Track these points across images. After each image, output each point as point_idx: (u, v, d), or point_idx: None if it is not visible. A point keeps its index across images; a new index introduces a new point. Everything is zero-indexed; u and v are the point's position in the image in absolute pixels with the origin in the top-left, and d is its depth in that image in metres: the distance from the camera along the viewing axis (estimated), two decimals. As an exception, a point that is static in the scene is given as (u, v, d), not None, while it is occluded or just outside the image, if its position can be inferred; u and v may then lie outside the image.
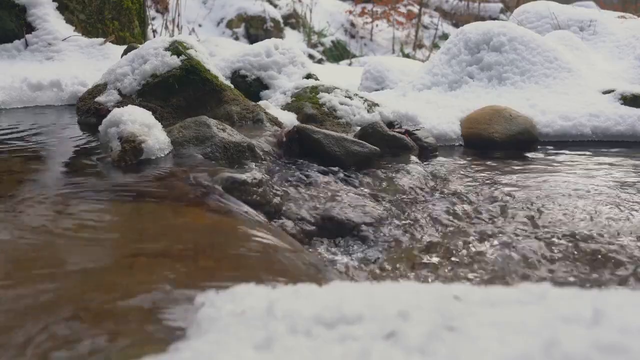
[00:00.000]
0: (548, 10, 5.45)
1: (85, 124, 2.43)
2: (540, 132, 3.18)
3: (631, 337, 0.57)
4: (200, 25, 10.92)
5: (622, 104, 3.45)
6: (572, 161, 2.73)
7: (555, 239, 1.68)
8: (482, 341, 0.59)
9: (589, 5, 10.04)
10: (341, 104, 2.88)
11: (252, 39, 10.62)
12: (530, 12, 5.60)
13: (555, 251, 1.59)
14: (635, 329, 0.59)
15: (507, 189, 2.18)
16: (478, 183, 2.25)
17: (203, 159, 1.84)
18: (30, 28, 3.85)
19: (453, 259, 1.55)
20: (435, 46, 12.32)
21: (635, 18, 5.70)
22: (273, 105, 2.85)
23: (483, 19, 11.97)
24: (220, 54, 3.61)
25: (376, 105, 2.98)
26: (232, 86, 2.67)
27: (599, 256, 1.57)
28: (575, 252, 1.59)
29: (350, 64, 10.05)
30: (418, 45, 12.69)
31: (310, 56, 10.73)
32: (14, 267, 1.04)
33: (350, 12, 13.44)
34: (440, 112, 3.19)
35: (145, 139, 1.80)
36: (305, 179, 1.97)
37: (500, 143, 2.96)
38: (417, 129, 2.81)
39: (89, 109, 2.51)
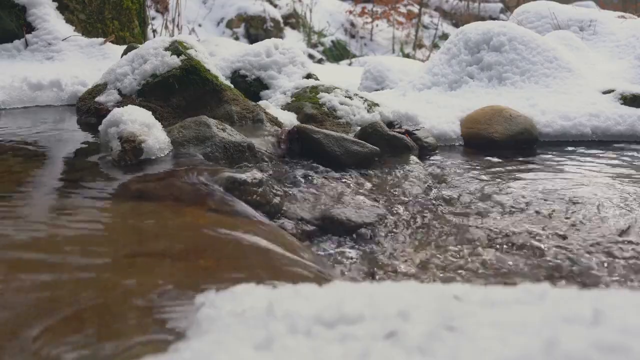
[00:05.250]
0: (548, 10, 5.45)
1: (85, 124, 2.43)
2: (540, 132, 3.18)
3: (631, 337, 0.57)
4: (200, 25, 10.92)
5: (622, 104, 3.45)
6: (572, 161, 2.73)
7: (555, 239, 1.68)
8: (482, 341, 0.59)
9: (589, 5, 10.04)
10: (341, 104, 2.88)
11: (252, 38, 10.62)
12: (530, 12, 5.60)
13: (555, 251, 1.59)
14: (635, 329, 0.59)
15: (506, 188, 2.18)
16: (478, 183, 2.25)
17: (203, 158, 1.84)
18: (30, 28, 3.85)
19: (453, 258, 1.55)
20: (435, 46, 12.32)
21: (635, 18, 5.70)
22: (273, 105, 2.85)
23: (483, 18, 11.97)
24: (220, 54, 3.61)
25: (376, 105, 2.98)
26: (232, 86, 2.67)
27: (601, 256, 1.57)
28: (574, 252, 1.59)
29: (350, 64, 10.06)
30: (418, 45, 12.69)
31: (310, 56, 10.74)
32: (14, 267, 1.04)
33: (350, 12, 13.44)
34: (440, 112, 3.19)
35: (145, 139, 1.80)
36: (305, 179, 1.97)
37: (500, 143, 2.96)
38: (417, 129, 2.81)
39: (89, 109, 2.51)
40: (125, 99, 2.44)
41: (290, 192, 1.85)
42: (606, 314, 0.62)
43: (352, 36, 13.06)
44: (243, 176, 1.64)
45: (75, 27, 4.07)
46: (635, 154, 2.93)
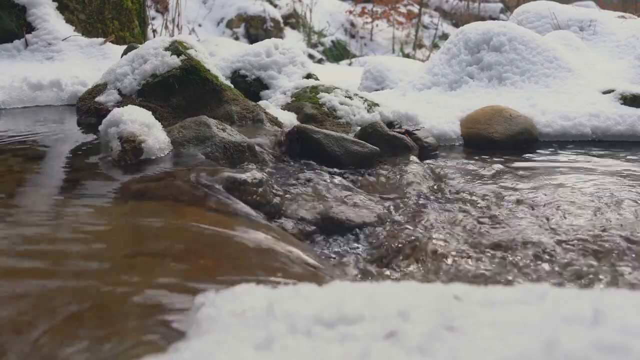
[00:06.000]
0: (548, 10, 5.45)
1: (85, 124, 2.43)
2: (540, 132, 3.18)
3: (631, 337, 0.57)
4: (200, 25, 10.92)
5: (622, 104, 3.45)
6: (572, 161, 2.73)
7: (554, 239, 1.68)
8: (482, 341, 0.59)
9: (589, 5, 10.04)
10: (341, 104, 2.88)
11: (252, 38, 10.63)
12: (530, 12, 5.60)
13: (554, 251, 1.59)
14: (635, 329, 0.59)
15: (506, 188, 2.18)
16: (478, 183, 2.25)
17: (203, 158, 1.84)
18: (30, 28, 3.85)
19: (453, 258, 1.55)
20: (435, 46, 12.32)
21: (635, 18, 5.70)
22: (273, 105, 2.85)
23: (483, 18, 11.97)
24: (220, 54, 3.61)
25: (376, 105, 2.98)
26: (232, 86, 2.67)
27: (602, 255, 1.57)
28: (572, 252, 1.59)
29: (350, 64, 10.06)
30: (418, 45, 12.69)
31: (310, 56, 10.74)
32: (14, 267, 1.04)
33: (350, 12, 13.44)
34: (440, 112, 3.19)
35: (145, 139, 1.80)
36: (305, 179, 1.97)
37: (500, 143, 2.96)
38: (417, 129, 2.81)
39: (89, 109, 2.51)
40: (125, 99, 2.44)
41: (290, 192, 1.85)
42: (606, 314, 0.62)
43: (352, 36, 13.06)
44: (243, 176, 1.65)
45: (75, 27, 4.07)
46: (635, 153, 2.93)
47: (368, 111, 2.89)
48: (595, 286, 1.40)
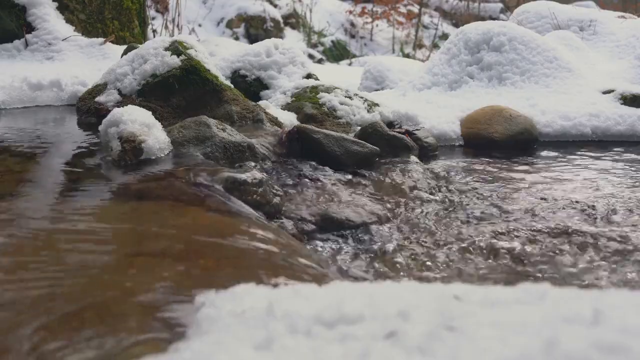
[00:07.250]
0: (548, 10, 5.45)
1: (85, 124, 2.43)
2: (540, 132, 3.18)
3: (631, 337, 0.57)
4: (200, 25, 10.92)
5: (622, 104, 3.45)
6: (571, 161, 2.73)
7: (554, 238, 1.68)
8: (482, 341, 0.59)
9: (589, 5, 10.03)
10: (341, 104, 2.88)
11: (252, 39, 10.62)
12: (530, 12, 5.60)
13: (554, 251, 1.59)
14: (635, 329, 0.59)
15: (506, 188, 2.18)
16: (478, 183, 2.25)
17: (203, 158, 1.84)
18: (30, 28, 3.85)
19: (453, 258, 1.55)
20: (435, 46, 12.32)
21: (635, 18, 5.69)
22: (273, 105, 2.85)
23: (483, 18, 11.96)
24: (220, 54, 3.61)
25: (376, 105, 2.98)
26: (232, 86, 2.67)
27: (602, 255, 1.57)
28: (571, 251, 1.59)
29: (350, 64, 10.06)
30: (418, 45, 12.69)
31: (310, 56, 10.73)
32: (14, 267, 1.04)
33: (350, 12, 13.44)
34: (440, 112, 3.19)
35: (145, 139, 1.80)
36: (305, 179, 1.97)
37: (500, 143, 2.96)
38: (417, 129, 2.81)
39: (89, 109, 2.51)
40: (125, 99, 2.44)
41: (290, 192, 1.85)
42: (606, 314, 0.62)
43: (352, 36, 13.06)
44: (243, 176, 1.64)
45: (75, 27, 4.07)
46: (635, 154, 2.93)
47: (368, 111, 2.89)
48: (595, 286, 1.40)
